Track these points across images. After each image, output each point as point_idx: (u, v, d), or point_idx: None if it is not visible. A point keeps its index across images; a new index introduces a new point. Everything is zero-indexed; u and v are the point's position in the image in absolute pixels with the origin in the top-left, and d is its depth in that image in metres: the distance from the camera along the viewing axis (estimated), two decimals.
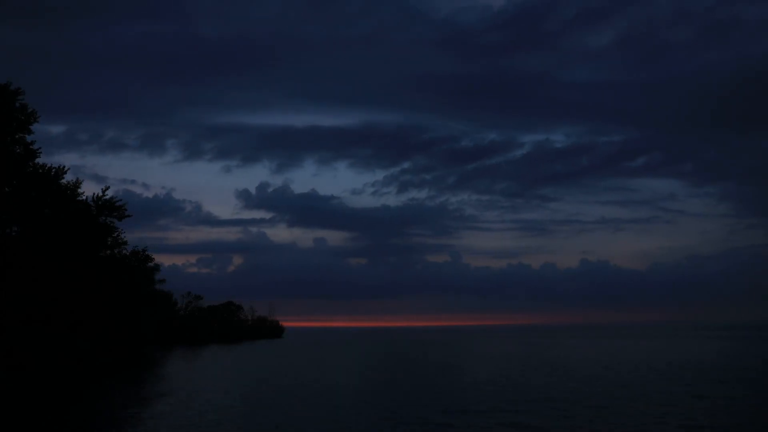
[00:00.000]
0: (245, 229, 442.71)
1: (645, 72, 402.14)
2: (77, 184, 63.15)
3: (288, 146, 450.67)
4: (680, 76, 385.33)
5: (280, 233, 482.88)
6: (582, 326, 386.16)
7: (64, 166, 61.41)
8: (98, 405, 30.41)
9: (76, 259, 59.66)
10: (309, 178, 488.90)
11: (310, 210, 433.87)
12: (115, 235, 67.66)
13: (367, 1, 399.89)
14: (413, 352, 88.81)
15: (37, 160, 59.03)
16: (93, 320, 61.13)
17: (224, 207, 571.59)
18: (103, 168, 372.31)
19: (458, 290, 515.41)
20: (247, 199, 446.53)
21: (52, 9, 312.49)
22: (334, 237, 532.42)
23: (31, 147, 58.15)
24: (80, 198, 63.42)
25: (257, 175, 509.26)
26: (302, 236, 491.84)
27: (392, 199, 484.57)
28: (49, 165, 60.42)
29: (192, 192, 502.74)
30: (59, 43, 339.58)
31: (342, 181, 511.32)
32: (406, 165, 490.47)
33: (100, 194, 65.12)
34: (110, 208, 65.47)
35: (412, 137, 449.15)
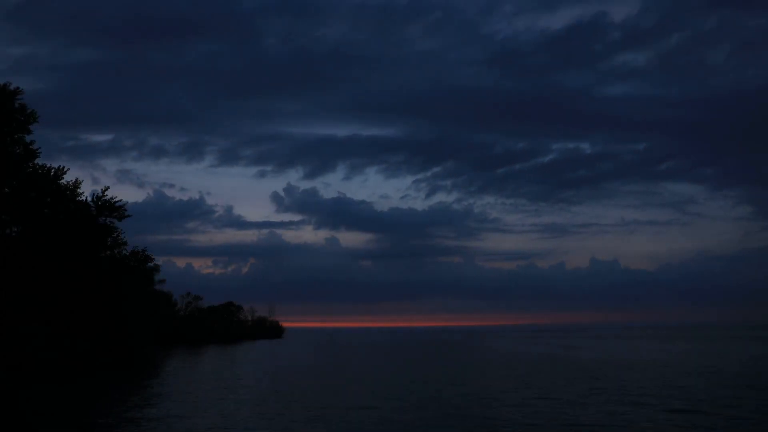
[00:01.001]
0: (271, 232, 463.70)
1: (678, 87, 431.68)
2: (77, 184, 63.10)
3: (323, 154, 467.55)
4: (710, 92, 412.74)
5: (306, 236, 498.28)
6: (590, 326, 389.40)
7: (63, 167, 61.39)
8: (98, 405, 30.41)
9: (76, 259, 59.64)
10: (339, 182, 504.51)
11: (338, 213, 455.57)
12: (115, 235, 67.56)
13: (432, 23, 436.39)
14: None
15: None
16: (93, 320, 61.10)
17: (255, 210, 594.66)
18: (142, 172, 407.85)
19: (468, 291, 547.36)
20: (277, 202, 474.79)
21: (124, 28, 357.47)
22: (357, 239, 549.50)
23: (30, 147, 58.14)
24: (80, 198, 63.42)
25: (289, 180, 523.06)
26: (326, 238, 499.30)
27: (419, 203, 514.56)
28: (48, 165, 60.41)
29: (225, 196, 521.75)
30: (127, 58, 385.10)
31: (372, 186, 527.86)
32: (436, 170, 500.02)
33: (100, 194, 65.09)
34: (110, 209, 65.39)
35: (445, 145, 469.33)
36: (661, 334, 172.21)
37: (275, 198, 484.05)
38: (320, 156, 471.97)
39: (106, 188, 65.65)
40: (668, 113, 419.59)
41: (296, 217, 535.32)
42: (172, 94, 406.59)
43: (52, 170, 60.45)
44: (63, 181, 61.48)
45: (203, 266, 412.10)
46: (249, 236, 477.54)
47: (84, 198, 63.77)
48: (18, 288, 52.09)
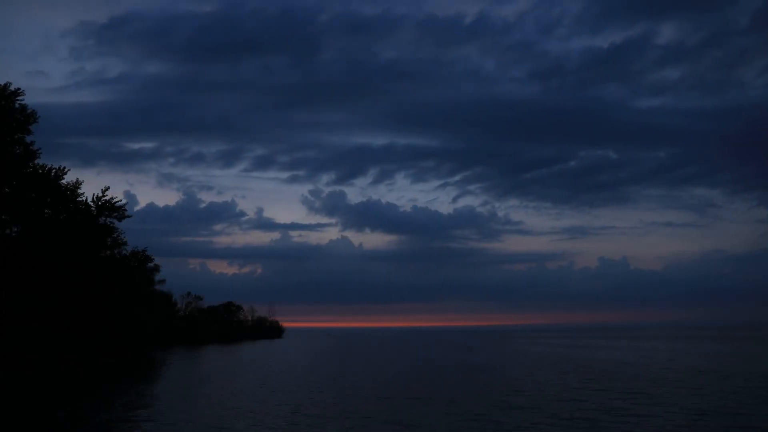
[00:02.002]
0: (298, 234, 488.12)
1: (705, 100, 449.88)
2: (77, 184, 63.17)
3: (356, 160, 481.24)
4: (734, 104, 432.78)
5: (331, 237, 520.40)
6: (610, 326, 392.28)
7: (63, 167, 61.47)
8: (97, 405, 30.47)
9: (76, 260, 59.72)
10: (368, 186, 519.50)
11: (364, 215, 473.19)
12: (115, 235, 67.66)
13: (487, 43, 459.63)
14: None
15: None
16: (92, 320, 61.17)
17: (284, 213, 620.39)
18: (178, 177, 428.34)
19: (486, 292, 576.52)
20: (306, 205, 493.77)
21: (190, 45, 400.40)
22: (381, 240, 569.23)
23: (30, 147, 58.20)
24: (80, 198, 63.49)
25: (320, 184, 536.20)
26: (350, 240, 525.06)
27: (445, 206, 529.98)
28: (49, 165, 60.48)
29: (257, 199, 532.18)
30: (187, 73, 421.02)
31: (400, 190, 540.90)
32: (465, 174, 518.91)
33: (100, 194, 65.18)
34: (110, 209, 65.48)
35: (476, 153, 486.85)
36: (684, 334, 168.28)
37: (304, 201, 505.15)
38: (353, 162, 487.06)
39: (107, 188, 65.78)
40: (692, 124, 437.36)
41: (323, 219, 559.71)
42: (220, 105, 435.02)
43: (53, 170, 60.51)
44: (63, 181, 61.57)
45: (224, 266, 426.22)
46: (274, 238, 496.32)
47: (84, 198, 63.97)
48: (18, 288, 52.14)
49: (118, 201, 65.81)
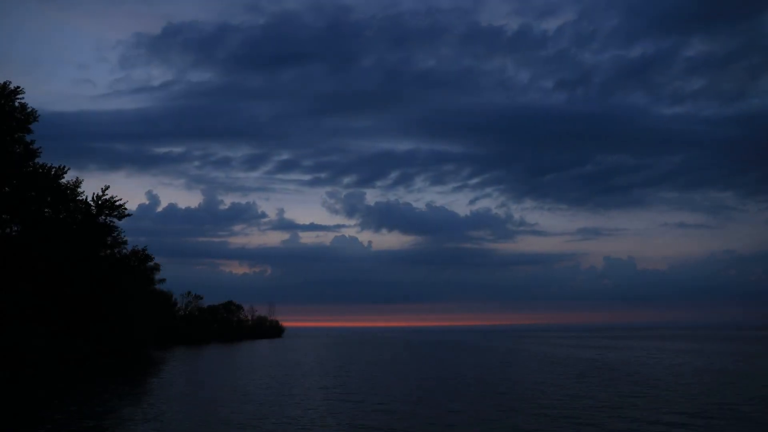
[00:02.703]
0: (312, 234, 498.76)
1: (724, 108, 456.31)
2: (77, 183, 63.00)
3: (379, 164, 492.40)
4: (750, 112, 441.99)
5: (346, 238, 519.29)
6: (610, 327, 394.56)
7: (64, 166, 61.30)
8: (97, 405, 30.33)
9: (76, 259, 59.55)
10: (388, 188, 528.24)
11: (382, 216, 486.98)
12: (115, 234, 67.49)
13: (524, 55, 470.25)
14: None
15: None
16: (93, 320, 61.01)
17: (304, 214, 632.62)
18: (202, 179, 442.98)
19: (497, 292, 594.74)
20: (326, 206, 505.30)
21: (235, 55, 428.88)
22: (398, 241, 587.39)
23: (31, 147, 58.03)
24: (80, 198, 63.33)
25: (341, 186, 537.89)
26: (367, 240, 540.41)
27: (462, 208, 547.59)
28: (49, 165, 60.30)
29: (278, 201, 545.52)
30: (228, 81, 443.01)
31: (419, 192, 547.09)
32: (485, 176, 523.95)
33: (100, 194, 65.01)
34: (110, 208, 65.30)
35: (497, 157, 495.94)
36: (705, 335, 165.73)
37: (324, 202, 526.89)
38: (375, 166, 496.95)
39: (107, 187, 65.62)
40: (709, 131, 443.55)
41: (342, 221, 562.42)
42: (252, 112, 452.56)
43: (53, 170, 60.34)
44: (63, 180, 61.40)
45: (235, 267, 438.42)
46: (287, 239, 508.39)
47: (84, 197, 63.80)
48: (18, 287, 51.96)
49: (118, 200, 65.63)
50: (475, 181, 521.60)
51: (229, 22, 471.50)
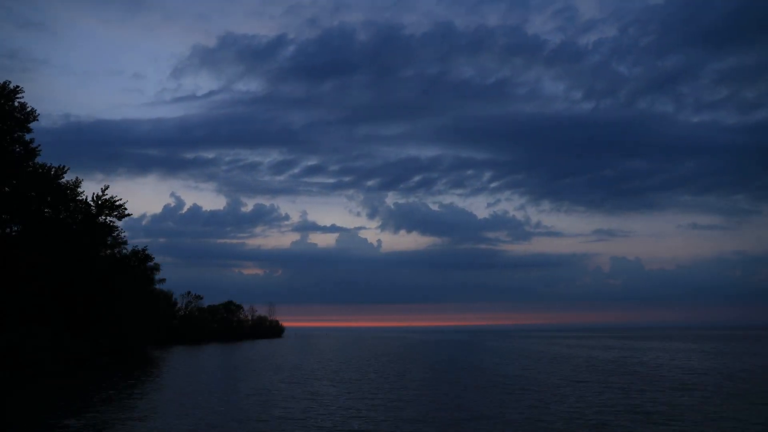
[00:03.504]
0: (332, 236, 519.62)
1: (745, 117, 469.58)
2: (77, 183, 62.88)
3: (403, 168, 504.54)
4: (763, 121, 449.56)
5: (368, 238, 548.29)
6: (618, 327, 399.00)
7: (64, 166, 61.21)
8: (96, 405, 30.24)
9: (76, 259, 59.45)
10: (409, 191, 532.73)
11: (401, 217, 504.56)
12: (115, 234, 67.37)
13: (562, 68, 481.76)
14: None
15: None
16: (93, 320, 60.91)
17: (327, 216, 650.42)
18: (229, 183, 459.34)
19: (508, 292, 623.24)
20: (347, 209, 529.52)
21: (282, 67, 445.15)
22: (411, 242, 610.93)
23: (30, 146, 57.92)
24: (80, 198, 63.21)
25: (363, 189, 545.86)
26: (385, 241, 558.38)
27: (481, 210, 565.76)
28: (48, 164, 60.21)
29: (301, 203, 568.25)
30: (270, 92, 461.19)
31: (438, 194, 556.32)
32: (507, 179, 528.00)
33: (100, 193, 64.88)
34: (110, 208, 65.18)
35: (519, 162, 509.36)
36: (714, 335, 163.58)
37: (345, 205, 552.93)
38: (399, 170, 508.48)
39: (106, 187, 65.50)
40: (729, 138, 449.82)
41: (362, 222, 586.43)
42: (287, 120, 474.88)
43: (53, 169, 60.24)
44: (63, 180, 61.30)
45: (248, 268, 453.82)
46: (309, 240, 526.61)
47: (84, 197, 63.68)
48: (18, 287, 51.85)
49: (118, 200, 65.49)
50: (494, 184, 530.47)
51: (286, 35, 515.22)
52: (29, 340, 47.80)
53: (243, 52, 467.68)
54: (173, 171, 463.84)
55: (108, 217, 65.25)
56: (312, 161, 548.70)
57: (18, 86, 56.08)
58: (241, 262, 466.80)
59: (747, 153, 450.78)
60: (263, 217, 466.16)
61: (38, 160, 58.73)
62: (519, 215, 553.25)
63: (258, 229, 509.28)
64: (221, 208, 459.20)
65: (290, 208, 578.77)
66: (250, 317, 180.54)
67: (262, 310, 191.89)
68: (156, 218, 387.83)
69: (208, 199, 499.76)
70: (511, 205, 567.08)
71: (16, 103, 56.21)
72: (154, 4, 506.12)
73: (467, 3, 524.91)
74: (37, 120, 57.28)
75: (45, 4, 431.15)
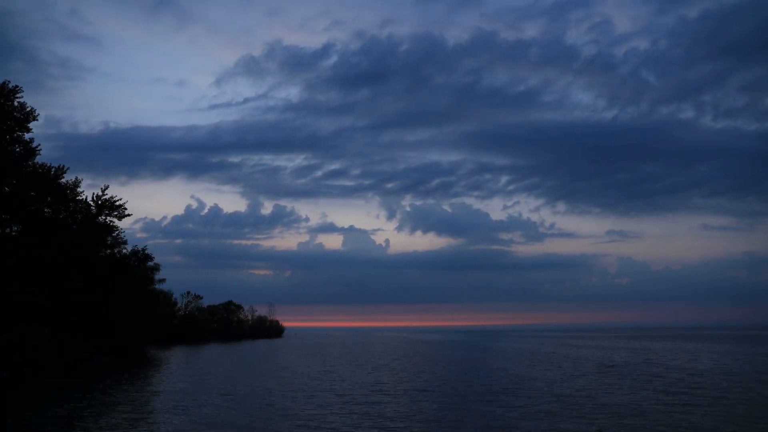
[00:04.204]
0: (349, 237, 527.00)
1: (764, 123, 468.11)
2: (77, 183, 62.78)
3: (424, 172, 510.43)
4: None
5: (379, 240, 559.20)
6: (630, 327, 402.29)
7: (63, 165, 61.09)
8: (96, 405, 30.16)
9: (76, 259, 59.34)
10: (428, 193, 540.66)
11: (418, 219, 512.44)
12: (115, 234, 67.29)
13: (591, 78, 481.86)
14: None
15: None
16: (93, 320, 60.83)
17: (345, 218, 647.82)
18: (252, 184, 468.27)
19: (519, 292, 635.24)
20: (366, 210, 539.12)
21: (318, 75, 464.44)
22: (431, 242, 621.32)
23: (30, 146, 57.80)
24: (80, 198, 63.12)
25: (383, 192, 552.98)
26: (400, 241, 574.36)
27: (497, 212, 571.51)
28: (48, 164, 60.10)
29: (320, 205, 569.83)
30: (306, 99, 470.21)
31: (456, 197, 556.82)
32: (525, 182, 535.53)
33: (100, 193, 64.80)
34: (110, 207, 65.10)
35: (538, 167, 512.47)
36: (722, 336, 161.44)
37: (363, 207, 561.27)
38: (419, 174, 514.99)
39: (106, 187, 65.44)
40: (747, 143, 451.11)
41: (379, 224, 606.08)
42: (317, 126, 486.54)
43: (52, 169, 60.14)
44: (63, 180, 61.19)
45: (258, 268, 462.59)
46: (329, 240, 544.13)
47: (84, 197, 63.58)
48: (18, 287, 51.75)
49: (117, 200, 65.42)
50: (511, 187, 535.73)
51: (332, 44, 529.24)
52: (29, 340, 47.71)
53: (286, 61, 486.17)
54: (197, 174, 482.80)
55: (108, 217, 65.22)
56: (335, 165, 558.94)
57: (17, 86, 55.97)
58: (251, 262, 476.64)
59: (762, 158, 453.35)
60: (282, 218, 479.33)
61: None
62: (534, 217, 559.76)
63: (275, 231, 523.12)
64: (241, 210, 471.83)
65: (309, 210, 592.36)
66: (250, 317, 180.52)
67: (262, 310, 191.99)
68: (177, 219, 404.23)
69: (229, 201, 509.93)
70: (526, 207, 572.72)
71: (15, 103, 56.09)
72: (200, 17, 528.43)
73: (510, 17, 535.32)
74: (36, 120, 57.15)
75: (96, 18, 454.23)
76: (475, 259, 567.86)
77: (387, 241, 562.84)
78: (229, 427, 23.67)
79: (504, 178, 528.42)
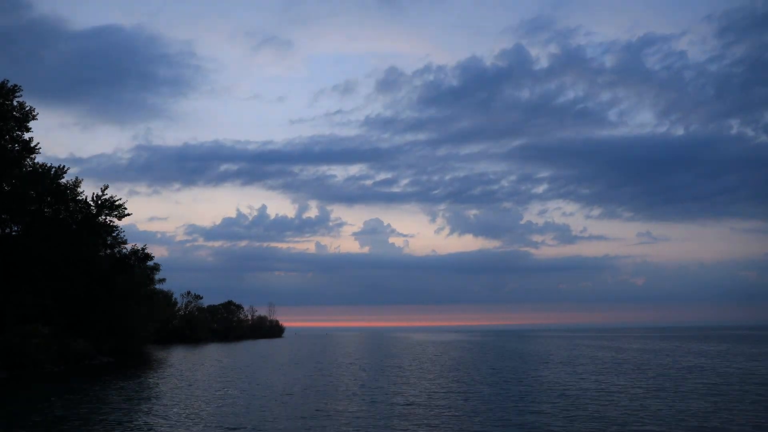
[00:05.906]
0: (397, 240, 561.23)
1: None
2: (77, 183, 62.67)
3: (467, 181, 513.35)
4: None
5: (416, 243, 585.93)
6: (657, 327, 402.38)
7: (63, 166, 61.02)
8: (96, 404, 30.08)
9: (76, 259, 59.26)
10: (464, 198, 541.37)
11: (454, 222, 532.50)
12: (115, 233, 67.18)
13: (635, 91, 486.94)
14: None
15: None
16: (93, 319, 60.77)
17: (383, 224, 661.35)
18: (301, 191, 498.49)
19: (535, 293, 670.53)
20: (407, 214, 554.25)
21: (407, 94, 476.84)
22: (458, 244, 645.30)
23: (30, 145, 57.69)
24: (80, 197, 63.00)
25: (423, 197, 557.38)
26: (437, 247, 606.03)
27: (530, 215, 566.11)
28: (49, 164, 60.02)
29: (362, 211, 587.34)
30: (389, 113, 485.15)
31: (491, 201, 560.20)
32: (559, 191, 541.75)
33: (99, 193, 64.68)
34: (110, 207, 65.00)
35: (577, 176, 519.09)
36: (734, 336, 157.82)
37: (405, 212, 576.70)
38: (464, 183, 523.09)
39: (106, 186, 65.35)
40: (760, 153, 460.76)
41: (417, 229, 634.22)
42: (378, 138, 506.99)
43: (53, 169, 60.05)
44: (63, 180, 61.10)
45: (280, 270, 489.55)
46: (362, 243, 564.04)
47: (84, 197, 63.47)
48: (18, 287, 51.68)
49: (117, 200, 65.30)
50: (549, 194, 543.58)
51: (433, 62, 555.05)
52: (29, 340, 47.62)
53: (385, 80, 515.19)
54: (251, 181, 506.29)
55: (108, 217, 65.14)
56: (386, 175, 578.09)
57: (16, 85, 55.90)
58: (279, 264, 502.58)
59: None
60: (321, 223, 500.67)
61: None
62: (568, 221, 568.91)
63: (308, 235, 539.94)
64: (288, 215, 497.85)
65: (349, 215, 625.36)
66: (249, 317, 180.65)
67: (262, 311, 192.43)
68: (227, 222, 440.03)
69: (274, 205, 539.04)
70: (559, 211, 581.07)
71: (14, 102, 55.99)
72: (300, 46, 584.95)
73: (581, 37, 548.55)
74: (36, 119, 57.04)
75: (212, 45, 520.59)
76: (513, 262, 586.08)
77: (428, 243, 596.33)
78: (229, 428, 23.59)
79: (542, 186, 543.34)
